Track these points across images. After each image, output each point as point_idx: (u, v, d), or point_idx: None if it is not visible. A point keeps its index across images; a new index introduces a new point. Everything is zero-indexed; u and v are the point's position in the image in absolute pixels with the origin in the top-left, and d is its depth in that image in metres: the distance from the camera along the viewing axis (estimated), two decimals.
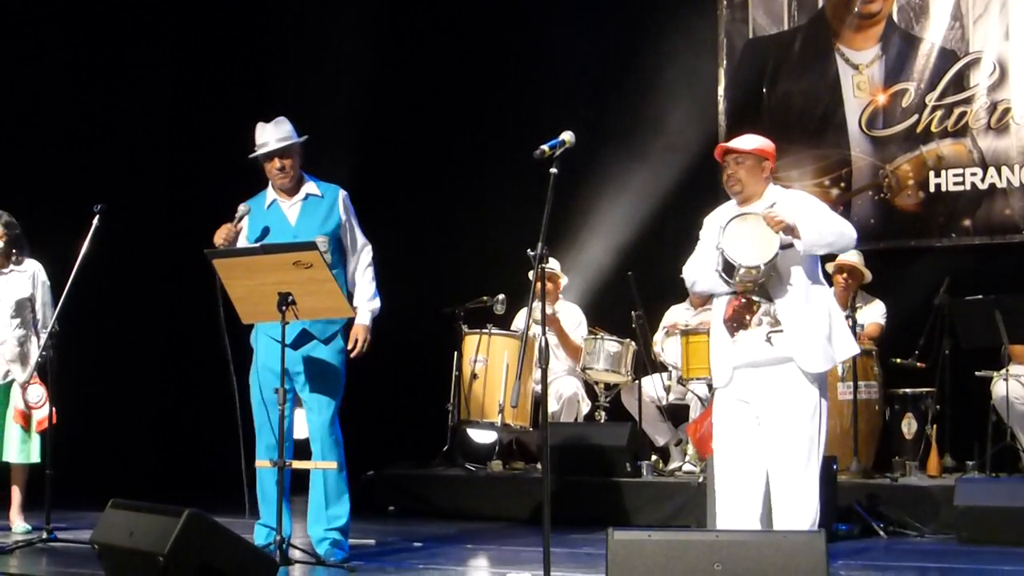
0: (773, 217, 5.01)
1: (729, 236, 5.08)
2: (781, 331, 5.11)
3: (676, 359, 7.97)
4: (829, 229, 5.11)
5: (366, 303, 5.95)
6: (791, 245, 5.06)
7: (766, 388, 5.14)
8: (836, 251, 5.19)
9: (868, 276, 8.08)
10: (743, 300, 5.15)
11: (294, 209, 5.93)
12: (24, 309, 6.96)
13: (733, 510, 5.17)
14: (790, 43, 9.36)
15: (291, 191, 5.95)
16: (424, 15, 10.18)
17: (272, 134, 5.90)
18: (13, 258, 6.99)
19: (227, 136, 9.73)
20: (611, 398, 8.50)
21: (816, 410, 5.13)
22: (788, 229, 5.01)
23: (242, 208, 5.89)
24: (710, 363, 5.43)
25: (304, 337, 5.82)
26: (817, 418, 5.14)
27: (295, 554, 5.57)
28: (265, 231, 5.86)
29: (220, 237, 5.77)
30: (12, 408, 6.85)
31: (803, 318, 5.11)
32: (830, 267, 8.09)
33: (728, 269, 5.08)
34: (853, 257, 8.10)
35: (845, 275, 8.00)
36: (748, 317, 5.15)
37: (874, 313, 8.11)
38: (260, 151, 5.90)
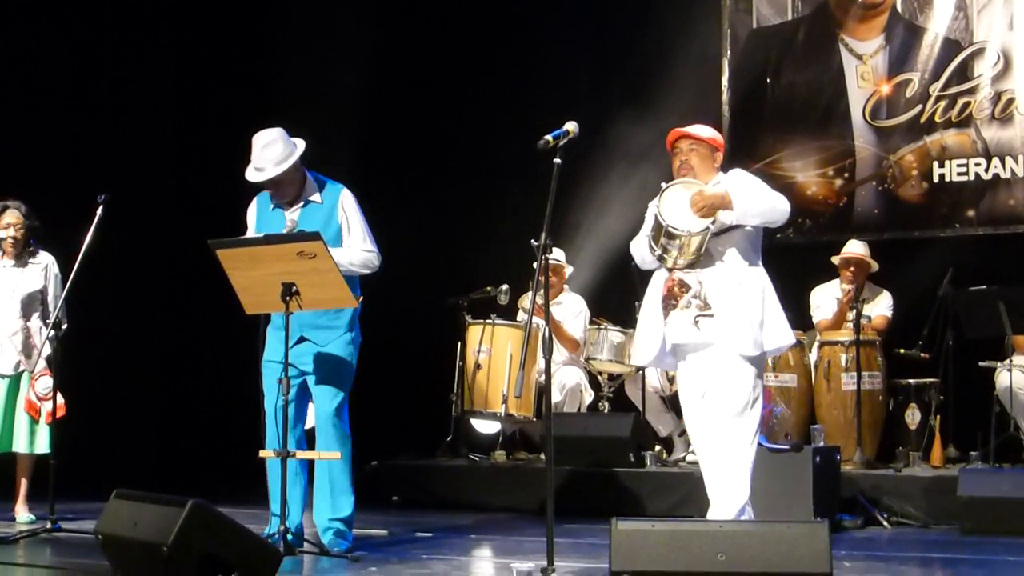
0: (703, 198, 5.00)
1: (667, 199, 5.06)
2: (711, 315, 5.09)
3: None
4: (760, 199, 5.12)
5: (343, 252, 5.67)
6: (733, 226, 5.06)
7: (697, 371, 5.16)
8: (770, 223, 5.17)
9: (875, 266, 8.08)
10: (678, 280, 5.13)
11: (294, 215, 5.80)
12: (35, 301, 6.97)
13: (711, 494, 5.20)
14: (794, 33, 9.33)
15: (293, 200, 5.81)
16: (427, 5, 10.16)
17: (264, 159, 5.64)
18: (30, 250, 6.99)
19: (231, 126, 9.79)
20: (615, 388, 8.51)
21: (744, 396, 5.08)
22: (720, 202, 5.01)
23: None
24: (635, 341, 5.43)
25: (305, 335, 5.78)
26: (744, 404, 5.08)
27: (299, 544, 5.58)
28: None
29: None
30: (23, 399, 6.87)
31: (733, 302, 5.08)
32: (836, 260, 8.10)
33: (657, 233, 5.05)
34: (859, 249, 8.10)
35: (852, 268, 8.00)
36: (680, 298, 5.14)
37: (881, 306, 8.10)
38: (255, 178, 5.68)
